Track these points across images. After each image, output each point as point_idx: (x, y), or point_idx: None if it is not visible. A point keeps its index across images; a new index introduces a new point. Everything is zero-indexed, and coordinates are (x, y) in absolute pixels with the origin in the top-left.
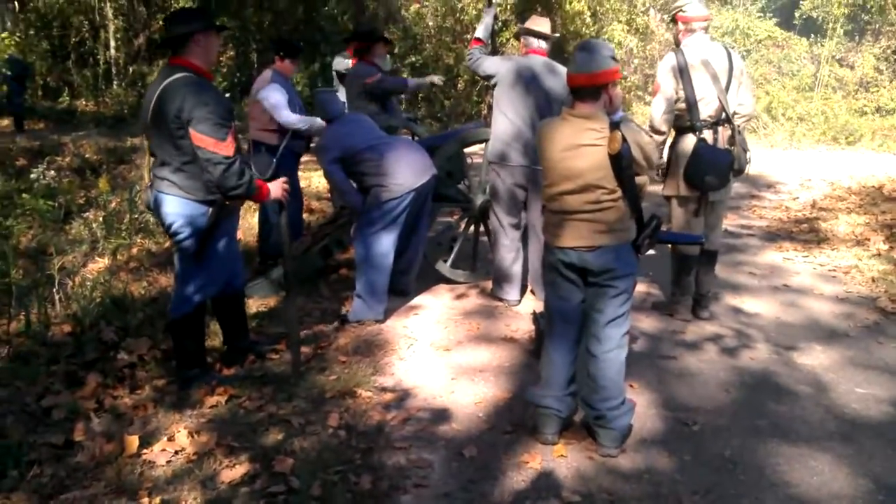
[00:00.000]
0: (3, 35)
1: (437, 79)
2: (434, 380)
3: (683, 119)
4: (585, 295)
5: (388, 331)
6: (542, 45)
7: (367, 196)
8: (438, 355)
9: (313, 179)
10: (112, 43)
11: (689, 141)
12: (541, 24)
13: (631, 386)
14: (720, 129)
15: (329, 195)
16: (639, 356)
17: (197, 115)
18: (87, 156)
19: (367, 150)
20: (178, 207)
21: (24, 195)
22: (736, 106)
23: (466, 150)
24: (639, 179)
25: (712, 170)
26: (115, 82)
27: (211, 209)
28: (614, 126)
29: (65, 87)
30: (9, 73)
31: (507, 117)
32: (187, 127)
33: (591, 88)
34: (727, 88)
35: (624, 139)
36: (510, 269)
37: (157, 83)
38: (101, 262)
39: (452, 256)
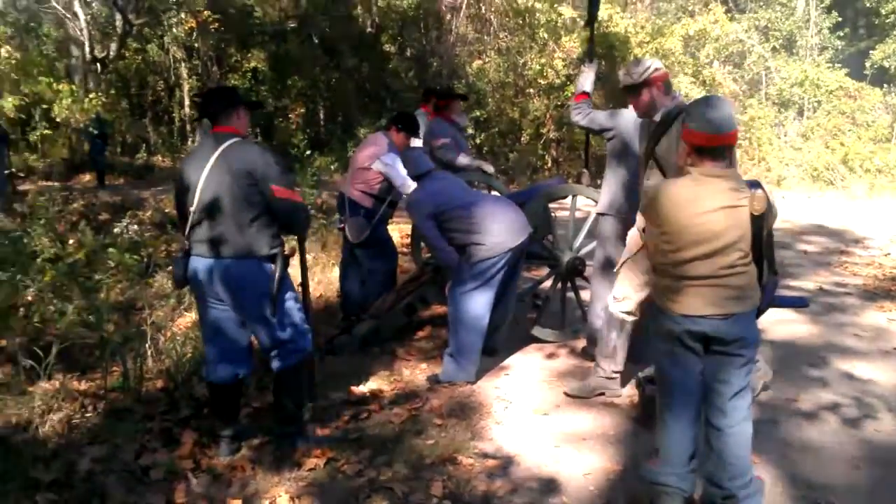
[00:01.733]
0: (91, 96)
1: (487, 167)
2: (536, 447)
3: None
4: (705, 364)
5: (480, 392)
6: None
7: (462, 254)
8: (537, 420)
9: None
10: (186, 101)
11: None
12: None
13: (753, 461)
14: None
15: (410, 251)
16: (756, 427)
17: (272, 172)
18: (166, 210)
19: (460, 208)
20: (239, 268)
21: (109, 249)
22: None
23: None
24: None
25: None
26: (189, 139)
27: (274, 264)
28: (753, 185)
29: (142, 143)
30: (94, 131)
31: (622, 170)
32: (262, 184)
33: (723, 147)
34: None
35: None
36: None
37: (207, 151)
38: (189, 317)
39: (539, 315)
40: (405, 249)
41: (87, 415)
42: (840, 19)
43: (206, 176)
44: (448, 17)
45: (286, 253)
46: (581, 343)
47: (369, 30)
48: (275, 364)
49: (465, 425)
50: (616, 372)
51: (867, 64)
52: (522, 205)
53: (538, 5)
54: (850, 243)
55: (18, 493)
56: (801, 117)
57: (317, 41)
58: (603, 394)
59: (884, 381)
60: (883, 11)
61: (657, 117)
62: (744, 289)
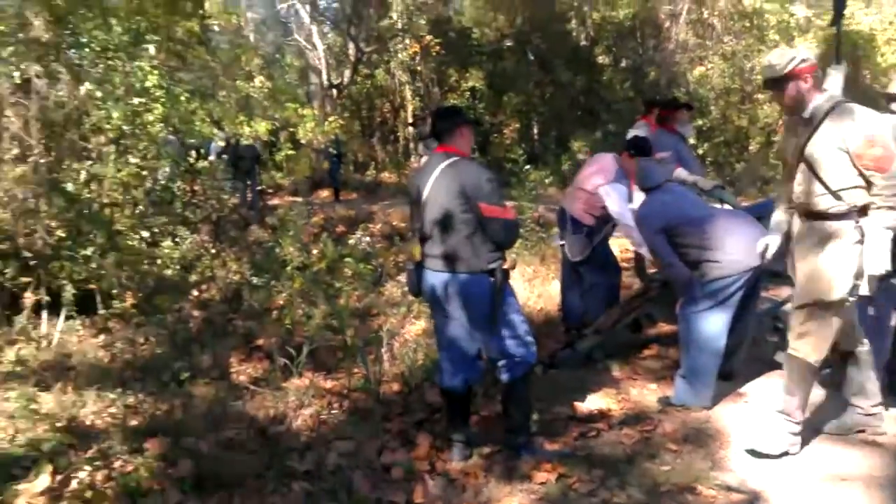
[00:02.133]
0: (330, 119)
1: (704, 184)
2: (785, 484)
3: None
4: None
5: (717, 419)
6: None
7: (694, 271)
8: (784, 454)
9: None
10: (409, 120)
11: None
12: None
13: None
14: None
15: (634, 266)
16: None
17: (481, 190)
18: (394, 223)
19: (692, 223)
20: (462, 282)
21: (346, 259)
22: None
23: None
24: None
25: None
26: (412, 156)
27: (493, 278)
28: None
29: (371, 161)
30: (333, 151)
31: None
32: (472, 202)
33: None
34: None
35: None
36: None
37: (431, 168)
38: (419, 325)
39: (780, 339)
40: (626, 265)
41: (333, 412)
42: None
43: (428, 193)
44: (667, 24)
45: (506, 266)
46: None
47: (584, 43)
48: (503, 375)
49: (704, 453)
50: (875, 406)
51: None
52: (759, 219)
53: (767, 6)
54: None
55: (277, 481)
56: None
57: (532, 57)
58: (863, 431)
59: None
60: None
61: (806, 114)
62: None
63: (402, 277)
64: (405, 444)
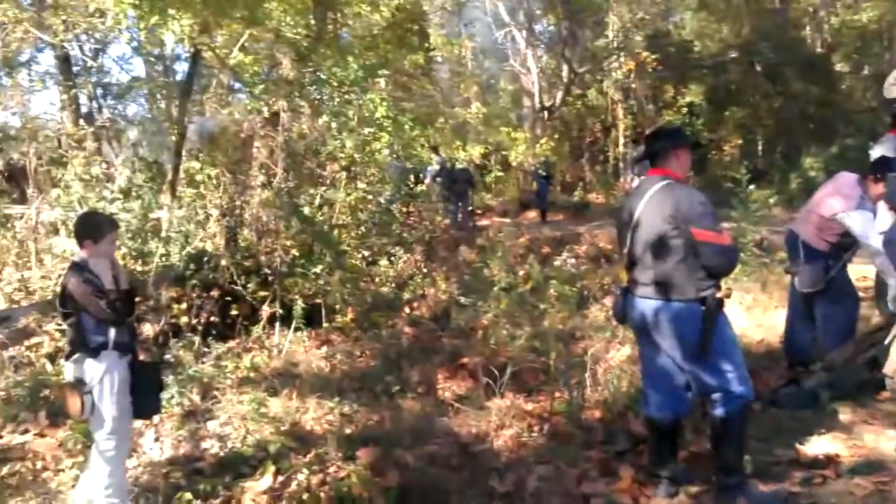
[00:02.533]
0: (542, 141)
1: None
2: None
3: None
4: None
5: None
6: None
7: None
8: None
9: None
10: (621, 140)
11: None
12: None
13: None
14: None
15: (874, 296)
16: None
17: (692, 214)
18: (600, 245)
19: None
20: (671, 310)
21: (552, 280)
22: None
23: None
24: None
25: None
26: (621, 176)
27: (704, 306)
28: None
29: (579, 182)
30: (543, 172)
31: None
32: (683, 227)
33: None
34: None
35: None
36: None
37: (643, 191)
38: (623, 351)
39: None
40: (864, 294)
41: (533, 434)
42: None
43: (637, 217)
44: None
45: (720, 294)
46: None
47: (819, 50)
48: (716, 410)
49: None
50: None
51: None
52: None
53: None
54: None
55: (478, 499)
56: None
57: (759, 68)
58: None
59: None
60: None
61: None
62: None
63: (608, 301)
64: (606, 475)
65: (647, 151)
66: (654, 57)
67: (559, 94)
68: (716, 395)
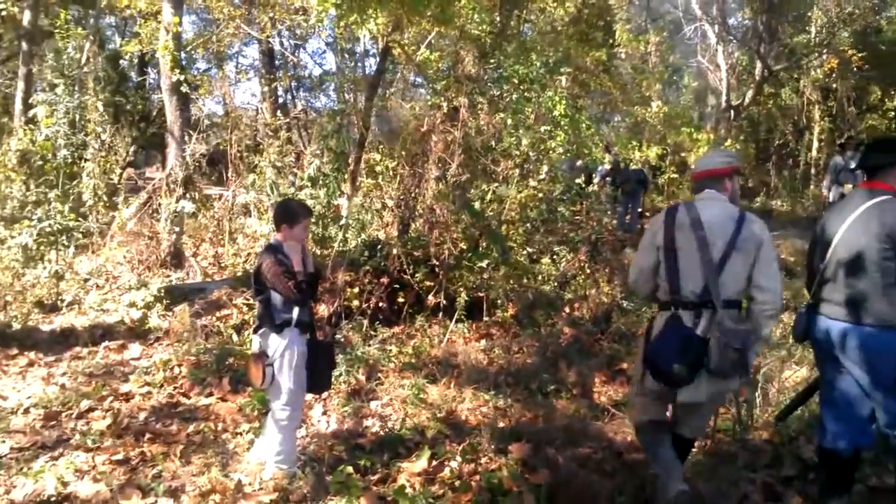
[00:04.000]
0: (727, 143)
1: None
2: None
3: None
4: None
5: None
6: None
7: None
8: None
9: None
10: (815, 144)
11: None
12: None
13: None
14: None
15: None
16: None
17: None
18: (782, 256)
19: None
20: (866, 335)
21: None
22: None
23: None
24: None
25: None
26: (812, 184)
27: None
28: None
29: (763, 187)
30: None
31: None
32: None
33: None
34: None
35: None
36: None
37: (853, 205)
38: (799, 372)
39: None
40: None
41: (694, 449)
42: None
43: (843, 232)
44: None
45: None
46: None
47: None
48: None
49: None
50: None
51: None
52: None
53: None
54: None
55: None
56: None
57: None
58: None
59: None
60: None
61: None
62: None
63: (786, 317)
64: (769, 500)
65: (867, 160)
66: (860, 55)
67: (749, 93)
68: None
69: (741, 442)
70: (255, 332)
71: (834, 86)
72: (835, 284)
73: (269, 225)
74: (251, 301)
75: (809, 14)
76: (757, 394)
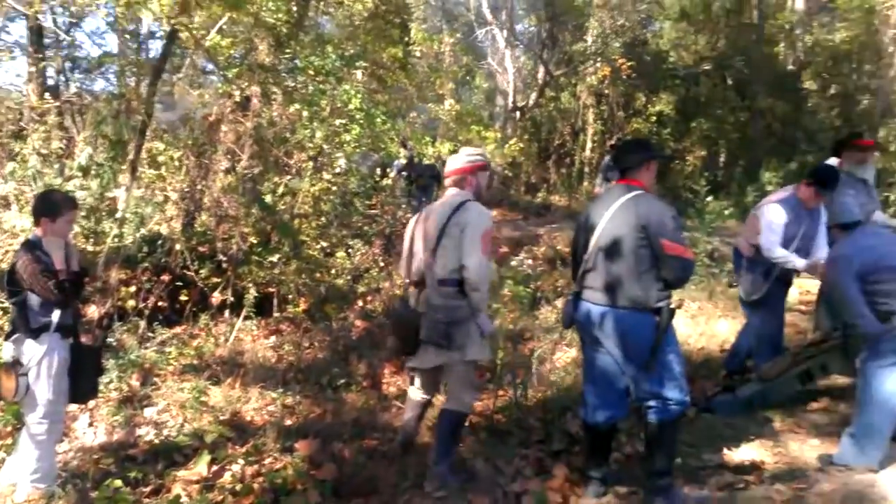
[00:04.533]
0: (511, 141)
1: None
2: None
3: None
4: None
5: (885, 485)
6: None
7: (884, 323)
8: None
9: None
10: (588, 145)
11: None
12: None
13: None
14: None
15: (814, 310)
16: None
17: (665, 227)
18: (558, 247)
19: (891, 269)
20: (623, 317)
21: (508, 281)
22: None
23: None
24: None
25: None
26: (585, 180)
27: (659, 316)
28: None
29: (543, 183)
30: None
31: None
32: (653, 238)
33: None
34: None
35: None
36: None
37: (611, 200)
38: (569, 353)
39: None
40: (803, 308)
41: (474, 431)
42: None
43: (604, 224)
44: (890, 49)
45: (673, 306)
46: None
47: (790, 67)
48: (651, 416)
49: None
50: None
51: None
52: None
53: None
54: None
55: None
56: None
57: (730, 82)
58: None
59: None
60: None
61: None
62: None
63: (560, 303)
64: (540, 473)
65: (619, 161)
66: (629, 64)
67: (533, 95)
68: (654, 402)
69: (516, 421)
70: (6, 338)
71: (606, 91)
72: (596, 272)
73: (31, 219)
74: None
75: (587, 24)
76: (531, 375)
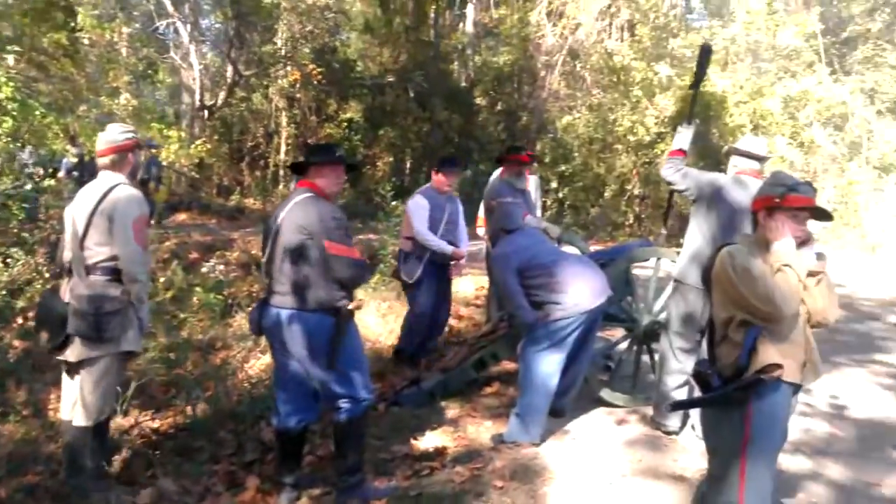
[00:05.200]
0: (198, 142)
1: (555, 231)
2: None
3: None
4: None
5: (545, 456)
6: (755, 165)
7: (538, 311)
8: (601, 489)
9: (461, 284)
10: (283, 147)
11: None
12: (753, 144)
13: None
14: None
15: (485, 304)
16: None
17: (325, 228)
18: (252, 252)
19: (544, 266)
20: (303, 319)
21: (197, 288)
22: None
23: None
24: None
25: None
26: (281, 184)
27: (336, 317)
28: None
29: (237, 186)
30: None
31: (695, 235)
32: (316, 239)
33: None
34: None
35: None
36: (671, 395)
37: (287, 201)
38: (264, 360)
39: (610, 377)
40: (479, 302)
41: (157, 452)
42: None
43: (279, 226)
44: (542, 73)
45: (350, 307)
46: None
47: (463, 84)
48: (340, 416)
49: (527, 490)
50: None
51: None
52: (605, 264)
53: (635, 63)
54: None
55: None
56: None
57: (412, 94)
58: None
59: None
60: None
61: None
62: None
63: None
64: (232, 487)
65: (298, 164)
66: (319, 70)
67: (222, 95)
68: (341, 402)
69: (207, 435)
70: None
71: (298, 95)
72: (280, 276)
73: None
74: None
75: (276, 26)
76: (223, 385)
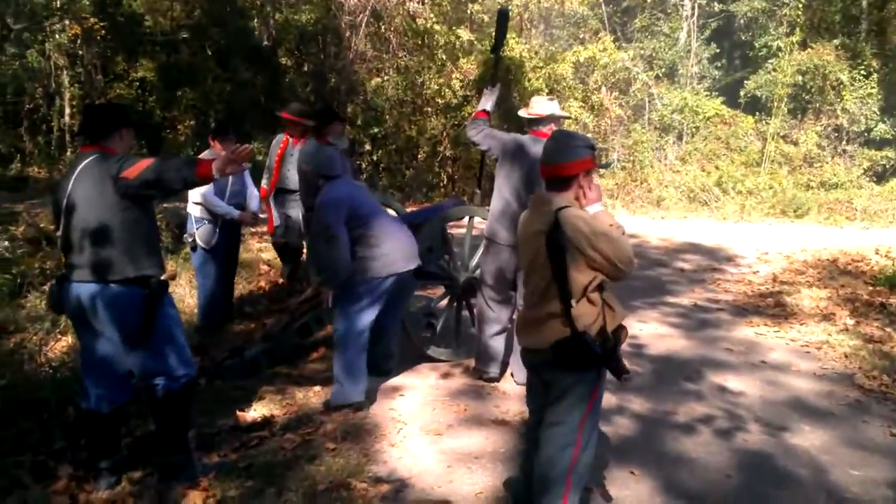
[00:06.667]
0: None
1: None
2: (429, 468)
3: None
4: None
5: (375, 415)
6: (542, 128)
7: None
8: (430, 441)
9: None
10: (67, 110)
11: None
12: (541, 106)
13: (632, 472)
14: None
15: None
16: (634, 439)
17: (120, 163)
18: (41, 225)
19: (365, 217)
20: (110, 293)
21: None
22: None
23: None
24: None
25: None
26: (68, 150)
27: (148, 288)
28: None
29: (16, 153)
30: None
31: (500, 193)
32: (118, 182)
33: (558, 179)
34: None
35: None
36: (490, 344)
37: (73, 169)
38: (65, 341)
39: (433, 334)
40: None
41: None
42: (718, 50)
43: (68, 196)
44: (347, 33)
45: (164, 277)
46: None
47: (266, 43)
48: (157, 392)
49: (360, 449)
50: None
51: (741, 93)
52: (419, 225)
53: (437, 27)
54: (723, 261)
55: None
56: (680, 142)
57: (210, 53)
58: None
59: (752, 393)
60: (756, 45)
61: None
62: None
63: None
64: (42, 479)
65: (85, 127)
66: (102, 24)
67: None
68: (159, 379)
69: (6, 426)
70: None
71: (81, 52)
72: (78, 248)
73: None
74: None
75: None
76: (24, 370)
